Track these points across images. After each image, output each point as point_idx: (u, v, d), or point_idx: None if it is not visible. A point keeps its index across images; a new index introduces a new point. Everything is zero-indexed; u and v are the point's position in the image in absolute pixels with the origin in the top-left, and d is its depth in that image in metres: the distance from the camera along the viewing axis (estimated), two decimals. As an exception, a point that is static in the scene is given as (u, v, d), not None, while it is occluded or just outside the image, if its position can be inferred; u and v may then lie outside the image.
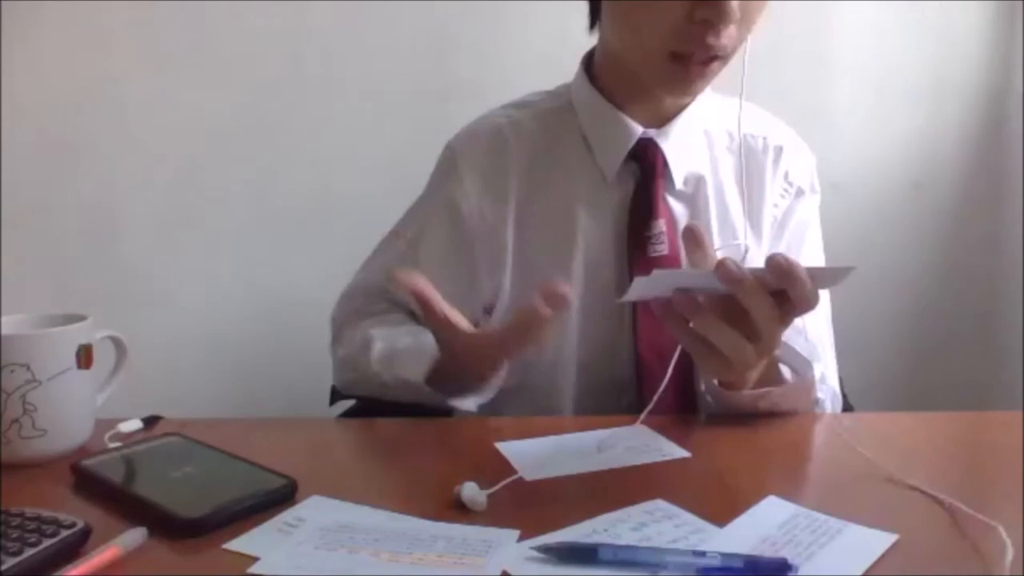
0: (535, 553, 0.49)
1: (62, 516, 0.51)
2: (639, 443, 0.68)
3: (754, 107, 0.91)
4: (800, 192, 0.92)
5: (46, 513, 0.51)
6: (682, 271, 0.78)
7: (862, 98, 1.63)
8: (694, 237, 0.66)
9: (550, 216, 0.88)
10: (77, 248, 1.50)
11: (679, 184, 0.88)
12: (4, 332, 0.64)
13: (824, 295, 0.88)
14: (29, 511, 0.52)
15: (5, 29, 1.41)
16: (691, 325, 0.64)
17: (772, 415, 0.74)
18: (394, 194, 0.98)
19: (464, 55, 1.52)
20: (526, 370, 0.84)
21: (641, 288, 0.63)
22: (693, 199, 0.88)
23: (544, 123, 0.90)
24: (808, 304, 0.61)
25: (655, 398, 0.72)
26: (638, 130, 0.86)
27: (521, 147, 0.89)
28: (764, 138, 0.91)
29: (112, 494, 0.58)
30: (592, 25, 0.88)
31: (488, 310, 0.89)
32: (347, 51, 1.50)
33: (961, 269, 1.68)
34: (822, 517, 0.54)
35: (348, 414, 0.92)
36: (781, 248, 0.90)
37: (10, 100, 1.43)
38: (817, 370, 0.78)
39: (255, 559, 0.49)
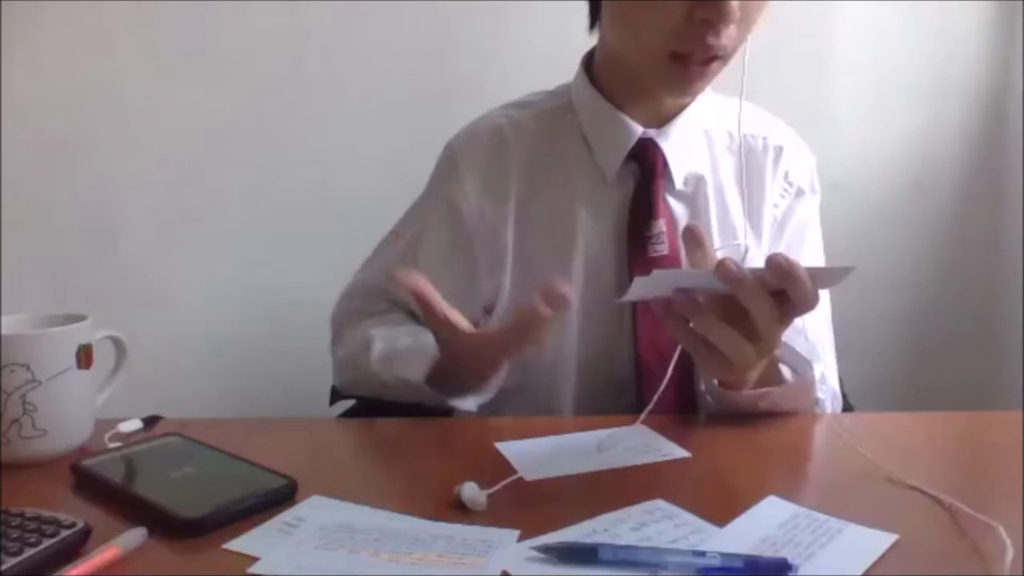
0: (535, 553, 0.49)
1: (62, 516, 0.51)
2: (639, 443, 0.68)
3: (754, 107, 0.91)
4: (800, 192, 0.92)
5: (46, 513, 0.51)
6: (682, 271, 0.78)
7: (862, 98, 1.62)
8: (694, 237, 0.66)
9: (550, 216, 0.88)
10: (77, 248, 1.50)
11: (679, 184, 0.88)
12: (4, 332, 0.64)
13: (824, 295, 0.88)
14: (29, 511, 0.52)
15: (5, 29, 1.41)
16: (691, 325, 0.64)
17: (772, 415, 0.74)
18: (394, 194, 0.98)
19: (464, 55, 1.52)
20: (526, 370, 0.84)
21: (641, 288, 0.63)
22: (693, 199, 0.88)
23: (544, 123, 0.90)
24: (808, 304, 0.61)
25: (655, 398, 0.72)
26: (638, 130, 0.86)
27: (521, 147, 0.89)
28: (764, 138, 0.91)
29: (112, 494, 0.58)
30: (592, 25, 0.88)
31: (488, 310, 0.89)
32: (347, 51, 1.50)
33: (961, 269, 1.68)
34: (822, 517, 0.54)
35: (348, 414, 0.92)
36: (781, 248, 0.90)
37: (10, 100, 1.43)
38: (817, 370, 0.78)
39: (255, 559, 0.49)
